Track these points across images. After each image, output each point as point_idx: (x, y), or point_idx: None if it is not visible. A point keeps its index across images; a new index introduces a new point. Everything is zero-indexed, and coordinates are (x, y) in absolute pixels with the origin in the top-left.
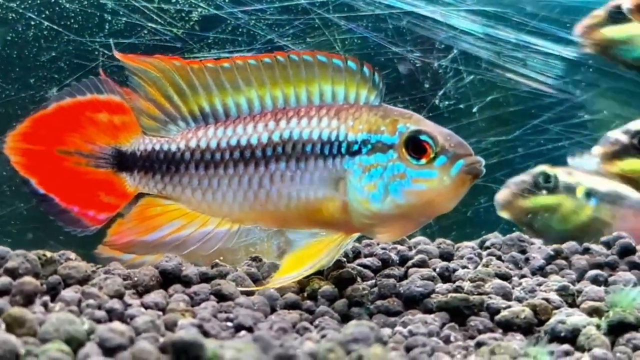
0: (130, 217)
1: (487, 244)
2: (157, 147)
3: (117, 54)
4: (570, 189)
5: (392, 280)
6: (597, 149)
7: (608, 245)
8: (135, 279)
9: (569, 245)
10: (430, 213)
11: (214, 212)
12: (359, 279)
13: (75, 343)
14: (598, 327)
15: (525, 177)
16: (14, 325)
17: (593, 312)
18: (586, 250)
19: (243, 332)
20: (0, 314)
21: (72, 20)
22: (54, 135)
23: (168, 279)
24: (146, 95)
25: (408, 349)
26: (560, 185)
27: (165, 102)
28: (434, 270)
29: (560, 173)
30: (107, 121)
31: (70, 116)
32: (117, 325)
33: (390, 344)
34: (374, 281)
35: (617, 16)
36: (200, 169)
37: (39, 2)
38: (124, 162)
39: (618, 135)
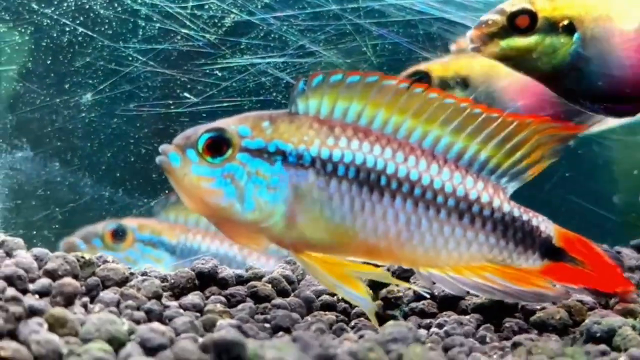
0: None
1: None
2: None
3: None
4: None
5: None
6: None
7: (638, 249)
8: (172, 281)
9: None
10: None
11: None
12: None
13: (116, 343)
14: (634, 327)
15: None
16: (56, 325)
17: (627, 313)
18: (617, 254)
19: (281, 333)
20: (42, 314)
21: (107, 26)
22: None
23: (204, 281)
24: None
25: (446, 349)
26: None
27: None
28: None
29: None
30: None
31: None
32: (157, 325)
33: (427, 344)
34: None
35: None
36: None
37: (73, 8)
38: None
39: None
